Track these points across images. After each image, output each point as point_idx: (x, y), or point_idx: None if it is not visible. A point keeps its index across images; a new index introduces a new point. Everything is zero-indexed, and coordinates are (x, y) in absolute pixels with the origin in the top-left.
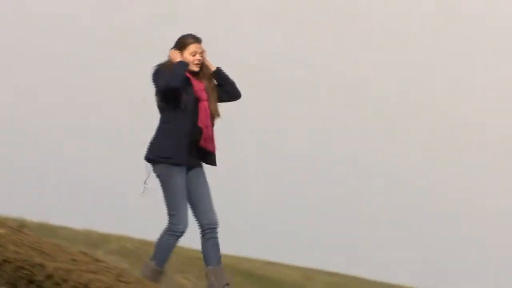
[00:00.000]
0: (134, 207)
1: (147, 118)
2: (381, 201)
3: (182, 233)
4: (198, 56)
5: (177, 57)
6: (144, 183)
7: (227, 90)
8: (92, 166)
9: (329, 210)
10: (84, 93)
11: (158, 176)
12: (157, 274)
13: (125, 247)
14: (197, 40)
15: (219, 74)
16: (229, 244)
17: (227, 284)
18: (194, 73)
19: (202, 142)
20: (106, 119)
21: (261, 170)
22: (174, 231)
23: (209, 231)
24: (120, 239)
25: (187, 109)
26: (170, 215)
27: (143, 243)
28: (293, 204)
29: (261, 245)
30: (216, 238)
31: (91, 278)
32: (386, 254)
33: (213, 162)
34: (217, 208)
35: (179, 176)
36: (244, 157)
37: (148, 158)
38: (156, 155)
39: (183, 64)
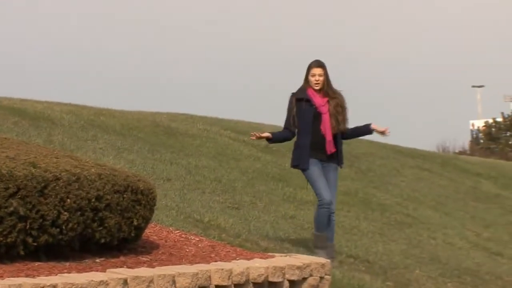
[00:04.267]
0: None
1: None
2: None
3: (327, 204)
4: (316, 77)
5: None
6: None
7: (347, 136)
8: None
9: None
10: None
11: (303, 173)
12: (321, 237)
13: None
14: (317, 64)
15: (361, 133)
16: None
17: (325, 249)
18: (319, 91)
19: (326, 147)
20: None
21: None
22: (321, 205)
23: None
24: None
25: (307, 126)
26: (316, 195)
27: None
28: None
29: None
30: (331, 220)
31: None
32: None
33: (337, 161)
34: None
35: (312, 168)
36: None
37: (291, 166)
38: (292, 165)
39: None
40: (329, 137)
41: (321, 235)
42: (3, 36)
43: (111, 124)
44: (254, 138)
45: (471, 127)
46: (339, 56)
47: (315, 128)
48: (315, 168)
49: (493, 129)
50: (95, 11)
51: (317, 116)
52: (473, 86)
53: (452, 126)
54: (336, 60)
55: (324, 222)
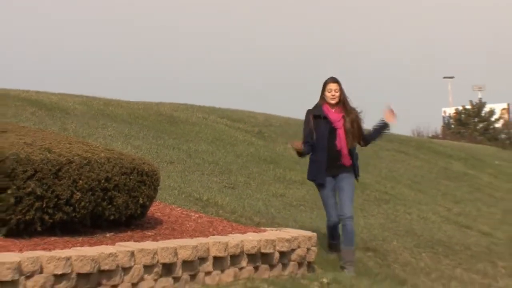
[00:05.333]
0: None
1: None
2: None
3: (332, 222)
4: (333, 92)
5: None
6: None
7: (367, 140)
8: None
9: None
10: None
11: (317, 188)
12: (334, 245)
13: None
14: (333, 80)
15: (380, 130)
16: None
17: (349, 261)
18: (334, 106)
19: (342, 161)
20: None
21: None
22: (328, 223)
23: (342, 219)
24: None
25: (322, 142)
26: (326, 214)
27: None
28: None
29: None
30: (346, 224)
31: None
32: None
33: (351, 171)
34: None
35: (325, 187)
36: None
37: (308, 178)
38: (309, 178)
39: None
40: (344, 151)
41: (334, 243)
42: (15, 35)
43: (119, 114)
44: (291, 146)
45: (443, 114)
46: (333, 54)
47: (330, 143)
48: (327, 189)
49: (463, 116)
50: (95, 13)
51: (332, 131)
52: (445, 77)
53: (426, 113)
54: (332, 57)
55: (335, 232)
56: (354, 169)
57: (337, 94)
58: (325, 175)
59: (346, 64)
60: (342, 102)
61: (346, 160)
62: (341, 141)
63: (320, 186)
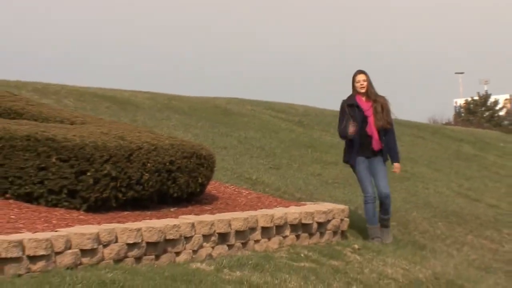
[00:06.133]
0: None
1: None
2: None
3: (370, 197)
4: (361, 82)
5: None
6: None
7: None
8: None
9: None
10: None
11: (352, 168)
12: (373, 229)
13: None
14: (359, 72)
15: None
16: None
17: (378, 238)
18: (364, 95)
19: (372, 145)
20: None
21: None
22: (366, 200)
23: (381, 197)
24: None
25: (357, 128)
26: (362, 189)
27: None
28: None
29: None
30: (385, 203)
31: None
32: None
33: (382, 155)
34: None
35: (360, 165)
36: None
37: (343, 161)
38: (344, 160)
39: (347, 135)
40: (375, 136)
41: (373, 227)
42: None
43: (180, 107)
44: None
45: (454, 104)
46: (342, 51)
47: (362, 130)
48: (362, 166)
49: (472, 105)
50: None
51: (365, 119)
52: (456, 73)
53: (440, 104)
54: (340, 53)
55: (373, 215)
56: (383, 153)
57: (365, 83)
58: (356, 156)
59: (375, 63)
60: (370, 90)
61: (377, 145)
62: (372, 128)
63: (354, 166)
